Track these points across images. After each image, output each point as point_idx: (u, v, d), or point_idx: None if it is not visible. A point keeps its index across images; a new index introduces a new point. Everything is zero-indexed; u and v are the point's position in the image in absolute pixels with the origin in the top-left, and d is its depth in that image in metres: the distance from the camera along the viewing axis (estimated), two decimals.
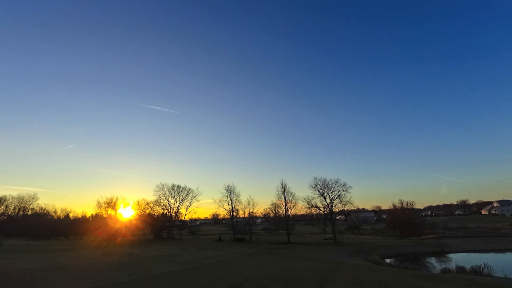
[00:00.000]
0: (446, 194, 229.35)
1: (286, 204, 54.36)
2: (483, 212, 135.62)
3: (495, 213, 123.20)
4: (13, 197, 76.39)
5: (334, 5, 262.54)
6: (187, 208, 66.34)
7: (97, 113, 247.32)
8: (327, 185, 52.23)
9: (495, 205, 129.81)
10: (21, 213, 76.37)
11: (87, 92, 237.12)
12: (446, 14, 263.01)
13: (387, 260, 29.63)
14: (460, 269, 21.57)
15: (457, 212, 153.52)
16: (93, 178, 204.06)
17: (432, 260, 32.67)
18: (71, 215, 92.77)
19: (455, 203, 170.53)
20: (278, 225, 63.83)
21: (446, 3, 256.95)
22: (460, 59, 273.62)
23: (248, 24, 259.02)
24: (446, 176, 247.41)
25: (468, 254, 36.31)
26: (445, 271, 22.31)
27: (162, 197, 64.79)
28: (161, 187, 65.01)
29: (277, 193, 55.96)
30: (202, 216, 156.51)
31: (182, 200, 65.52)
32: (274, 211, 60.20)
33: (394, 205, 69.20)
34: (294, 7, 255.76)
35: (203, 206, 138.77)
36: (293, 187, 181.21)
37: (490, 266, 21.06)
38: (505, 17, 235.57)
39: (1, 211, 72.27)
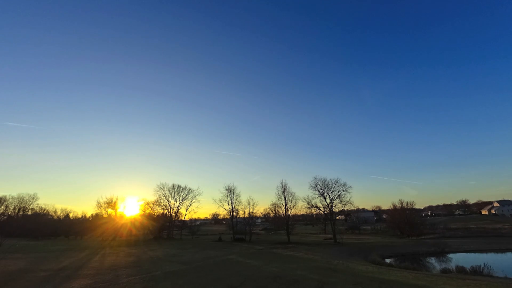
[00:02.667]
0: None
1: (286, 204, 54.36)
2: (483, 212, 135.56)
3: (495, 213, 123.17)
4: (13, 197, 76.29)
5: (331, 11, 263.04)
6: (187, 208, 66.36)
7: (97, 113, 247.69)
8: (327, 185, 52.25)
9: (495, 205, 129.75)
10: (21, 213, 76.28)
11: (83, 92, 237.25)
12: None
13: (387, 260, 29.61)
14: (460, 269, 21.57)
15: (457, 212, 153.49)
16: (93, 178, 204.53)
17: (432, 260, 32.65)
18: (71, 215, 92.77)
19: (455, 203, 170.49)
20: (278, 225, 63.77)
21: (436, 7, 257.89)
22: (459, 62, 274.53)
23: (247, 27, 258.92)
24: (447, 176, 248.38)
25: (468, 254, 36.28)
26: (445, 271, 22.31)
27: (162, 197, 64.79)
28: (161, 187, 65.03)
29: (277, 193, 56.00)
30: (202, 216, 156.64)
31: (182, 200, 65.52)
32: (274, 211, 60.22)
33: (394, 205, 69.11)
34: (291, 12, 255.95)
35: (203, 206, 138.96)
36: (293, 187, 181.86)
37: (490, 266, 21.07)
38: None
39: (1, 211, 72.18)
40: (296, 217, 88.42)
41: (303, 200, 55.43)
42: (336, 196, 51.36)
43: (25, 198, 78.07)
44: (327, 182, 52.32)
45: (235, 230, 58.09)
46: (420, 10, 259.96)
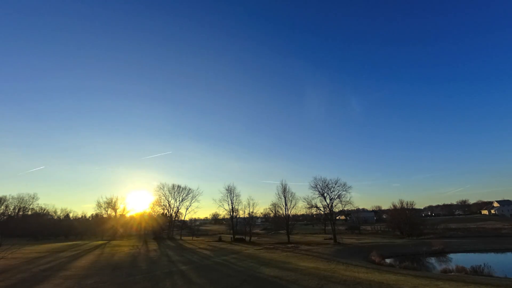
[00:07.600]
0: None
1: (286, 204, 54.39)
2: (483, 212, 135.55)
3: (495, 213, 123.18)
4: (13, 197, 76.22)
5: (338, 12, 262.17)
6: (187, 208, 66.27)
7: (96, 115, 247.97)
8: (327, 185, 52.17)
9: (495, 205, 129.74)
10: (21, 213, 76.25)
11: (82, 92, 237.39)
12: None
13: (387, 260, 29.59)
14: (460, 269, 21.56)
15: (457, 212, 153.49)
16: (93, 178, 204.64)
17: (432, 260, 32.63)
18: (71, 215, 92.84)
19: (455, 203, 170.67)
20: (278, 225, 63.77)
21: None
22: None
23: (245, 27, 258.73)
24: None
25: (468, 254, 36.27)
26: (445, 271, 22.30)
27: (162, 197, 64.70)
28: (161, 187, 64.88)
29: (277, 193, 56.02)
30: (202, 216, 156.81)
31: (182, 200, 65.41)
32: (274, 211, 60.26)
33: (394, 205, 69.10)
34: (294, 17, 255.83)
35: (203, 206, 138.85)
36: (293, 187, 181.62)
37: (490, 266, 21.05)
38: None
39: (1, 211, 72.15)
40: (296, 217, 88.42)
41: (303, 200, 55.53)
42: (336, 196, 51.36)
43: (25, 198, 78.10)
44: (327, 182, 52.29)
45: (235, 230, 58.09)
46: (408, 27, 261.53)
